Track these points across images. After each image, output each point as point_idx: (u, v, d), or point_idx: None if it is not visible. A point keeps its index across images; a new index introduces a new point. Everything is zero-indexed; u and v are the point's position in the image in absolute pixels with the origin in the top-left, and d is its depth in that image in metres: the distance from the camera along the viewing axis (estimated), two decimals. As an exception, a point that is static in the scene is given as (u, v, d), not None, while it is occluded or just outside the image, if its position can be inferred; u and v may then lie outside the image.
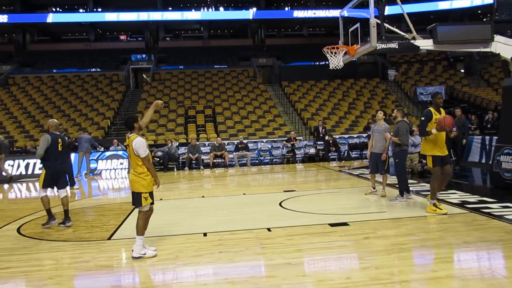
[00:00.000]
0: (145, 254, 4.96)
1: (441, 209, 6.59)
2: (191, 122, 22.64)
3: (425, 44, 9.27)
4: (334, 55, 10.10)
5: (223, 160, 17.17)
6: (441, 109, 6.83)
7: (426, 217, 6.45)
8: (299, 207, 7.69)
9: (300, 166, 16.80)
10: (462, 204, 7.26)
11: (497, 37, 9.04)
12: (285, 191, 9.77)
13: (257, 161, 18.04)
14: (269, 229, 6.05)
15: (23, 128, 21.84)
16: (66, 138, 12.02)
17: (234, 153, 17.40)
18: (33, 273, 4.61)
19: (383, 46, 9.04)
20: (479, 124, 17.52)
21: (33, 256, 5.30)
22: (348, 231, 5.79)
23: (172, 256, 5.00)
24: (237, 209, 8.07)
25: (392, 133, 8.07)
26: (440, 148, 6.74)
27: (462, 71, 29.94)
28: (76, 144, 15.03)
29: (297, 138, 18.73)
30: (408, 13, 9.68)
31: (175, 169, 16.66)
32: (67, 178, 12.02)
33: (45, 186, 7.03)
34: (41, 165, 7.16)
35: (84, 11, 36.90)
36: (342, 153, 17.82)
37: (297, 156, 17.97)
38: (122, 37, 39.03)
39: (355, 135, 19.71)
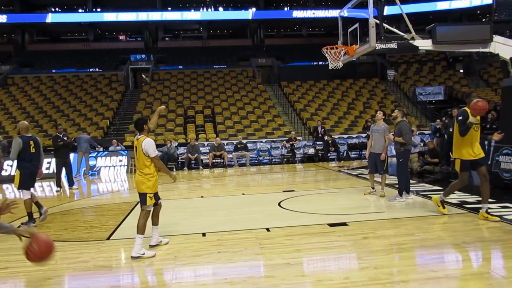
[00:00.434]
0: (143, 254, 4.99)
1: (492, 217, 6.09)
2: (190, 122, 22.64)
3: (424, 44, 9.28)
4: (334, 55, 10.10)
5: (222, 160, 17.16)
6: None
7: (425, 217, 6.45)
8: (298, 207, 7.69)
9: (299, 166, 16.81)
10: (461, 204, 7.27)
11: (496, 37, 9.05)
12: (284, 191, 9.77)
13: (256, 161, 18.04)
14: (268, 229, 6.05)
15: (22, 128, 21.79)
16: (65, 138, 12.10)
17: (233, 153, 17.39)
18: (32, 273, 4.61)
19: (382, 46, 9.05)
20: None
21: (32, 256, 5.29)
22: (347, 231, 5.79)
23: (171, 256, 4.99)
24: (236, 209, 8.07)
25: (393, 133, 8.06)
26: (472, 151, 6.13)
27: (461, 71, 29.95)
28: (75, 144, 15.02)
29: (297, 138, 18.74)
30: (407, 14, 9.71)
31: (174, 169, 16.65)
32: (66, 177, 12.11)
33: (23, 187, 7.10)
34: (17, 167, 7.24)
35: (83, 11, 36.86)
36: (341, 153, 17.83)
37: (296, 156, 17.97)
38: (121, 37, 39.00)
39: (354, 135, 19.72)
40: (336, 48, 10.15)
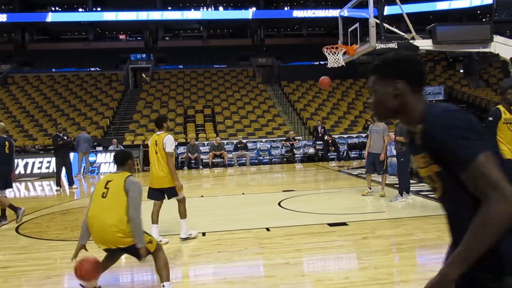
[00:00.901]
0: (191, 234, 5.64)
1: None
2: (190, 121, 22.63)
3: (424, 44, 9.28)
4: (334, 55, 10.10)
5: (222, 159, 17.16)
6: None
7: (425, 217, 6.44)
8: (298, 207, 7.69)
9: (299, 166, 16.81)
10: (461, 204, 7.25)
11: (496, 37, 9.05)
12: (284, 191, 9.76)
13: (256, 160, 18.04)
14: (268, 229, 6.04)
15: (22, 128, 21.81)
16: (65, 137, 12.09)
17: (233, 152, 17.39)
18: (32, 273, 4.61)
19: (383, 46, 9.05)
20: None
21: (32, 255, 5.30)
22: (347, 231, 5.79)
23: (170, 255, 4.98)
24: (236, 208, 8.07)
25: (394, 133, 8.05)
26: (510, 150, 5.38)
27: (461, 71, 29.92)
28: (75, 143, 15.02)
29: (296, 138, 18.73)
30: (407, 13, 9.71)
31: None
32: (66, 177, 12.11)
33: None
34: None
35: (83, 10, 36.83)
36: (341, 153, 17.83)
37: (296, 156, 17.97)
38: (121, 37, 38.97)
39: (354, 135, 19.71)
40: (337, 47, 10.15)
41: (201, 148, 17.46)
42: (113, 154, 16.57)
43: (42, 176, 15.57)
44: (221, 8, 37.57)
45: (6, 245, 5.78)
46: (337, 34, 10.78)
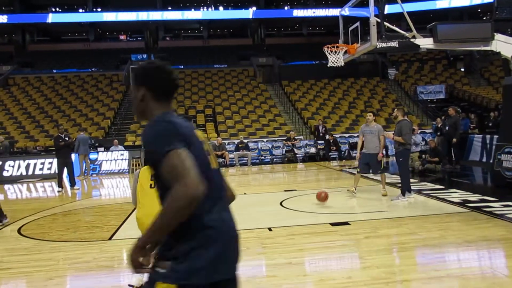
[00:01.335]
0: None
1: None
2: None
3: (425, 42, 9.26)
4: (335, 54, 10.08)
5: (223, 159, 17.15)
6: None
7: (427, 216, 6.44)
8: (300, 207, 7.69)
9: (301, 165, 16.80)
10: (463, 203, 7.25)
11: (498, 36, 9.02)
12: (286, 191, 9.76)
13: (258, 160, 18.04)
14: (270, 229, 6.04)
15: (23, 129, 21.82)
16: (67, 138, 12.10)
17: (234, 152, 17.39)
18: (34, 274, 4.61)
19: (383, 45, 9.03)
20: (478, 123, 17.51)
21: (34, 256, 5.30)
22: (349, 230, 5.79)
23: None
24: (237, 208, 8.00)
25: (394, 133, 8.04)
26: None
27: (462, 69, 29.88)
28: (75, 144, 15.02)
29: (296, 138, 18.72)
30: (408, 12, 9.67)
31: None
32: (68, 178, 12.13)
33: None
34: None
35: (83, 11, 36.85)
36: (342, 153, 17.82)
37: (297, 155, 17.96)
38: (122, 37, 38.97)
39: (355, 134, 19.66)
40: (337, 47, 10.13)
41: (202, 148, 17.42)
42: (113, 152, 16.73)
43: (44, 177, 15.58)
44: (221, 8, 37.56)
45: (9, 246, 5.79)
46: (338, 33, 10.75)
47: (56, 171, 12.63)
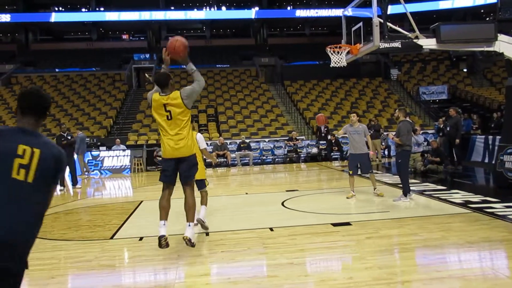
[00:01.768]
0: (205, 222, 6.00)
1: None
2: (193, 121, 22.61)
3: (428, 43, 9.23)
4: (338, 54, 10.06)
5: (225, 159, 17.16)
6: None
7: (428, 217, 6.43)
8: (302, 207, 7.68)
9: (303, 165, 16.79)
10: (465, 204, 7.23)
11: (501, 36, 8.99)
12: (287, 191, 9.76)
13: (259, 160, 18.04)
14: (271, 229, 6.04)
15: (25, 127, 21.87)
16: (69, 137, 12.12)
17: (236, 152, 17.39)
18: (35, 272, 4.61)
19: (386, 45, 9.00)
20: (481, 124, 17.47)
21: (35, 255, 5.30)
22: (350, 231, 5.78)
23: (174, 255, 4.99)
24: (239, 208, 8.06)
25: (394, 134, 8.04)
26: None
27: (465, 70, 29.82)
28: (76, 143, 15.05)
29: (298, 138, 18.71)
30: (411, 12, 9.65)
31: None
32: (70, 176, 12.15)
33: None
34: None
35: (86, 10, 36.93)
36: (344, 153, 17.79)
37: (299, 155, 17.95)
38: (125, 37, 39.05)
39: (357, 135, 19.63)
40: (340, 47, 10.11)
41: (204, 148, 17.43)
42: (115, 150, 16.79)
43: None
44: (224, 8, 37.57)
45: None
46: (340, 33, 10.74)
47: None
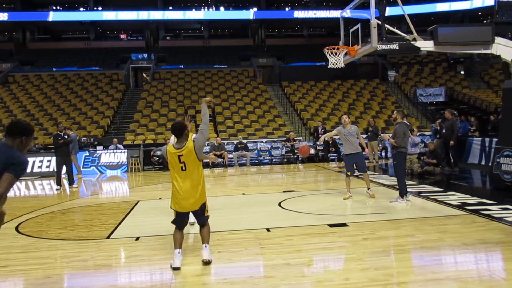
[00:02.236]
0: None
1: None
2: (190, 121, 22.58)
3: (425, 45, 9.27)
4: (335, 55, 10.08)
5: (222, 160, 17.15)
6: None
7: (425, 219, 6.44)
8: (298, 208, 7.69)
9: (300, 166, 16.80)
10: (461, 206, 7.25)
11: (498, 39, 9.04)
12: (284, 192, 9.76)
13: (257, 161, 18.03)
14: (268, 230, 6.04)
15: (22, 126, 21.79)
16: (66, 137, 12.08)
17: (233, 153, 17.38)
18: (31, 272, 4.60)
19: (384, 47, 9.04)
20: (478, 126, 17.53)
21: (31, 254, 5.29)
22: (347, 232, 5.78)
23: (170, 255, 4.98)
24: (236, 209, 8.06)
25: (390, 135, 8.08)
26: None
27: (462, 72, 29.92)
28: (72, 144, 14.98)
29: (296, 138, 18.72)
30: (408, 15, 9.68)
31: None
32: (68, 176, 12.12)
33: None
34: None
35: (84, 9, 36.86)
36: (341, 154, 17.78)
37: (297, 156, 17.95)
38: (122, 36, 38.97)
39: (354, 136, 19.65)
40: (338, 48, 10.13)
41: (201, 148, 17.44)
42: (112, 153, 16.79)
43: (42, 175, 15.57)
44: (222, 8, 37.57)
45: (6, 244, 5.78)
46: (338, 34, 10.76)
47: (55, 169, 12.61)
